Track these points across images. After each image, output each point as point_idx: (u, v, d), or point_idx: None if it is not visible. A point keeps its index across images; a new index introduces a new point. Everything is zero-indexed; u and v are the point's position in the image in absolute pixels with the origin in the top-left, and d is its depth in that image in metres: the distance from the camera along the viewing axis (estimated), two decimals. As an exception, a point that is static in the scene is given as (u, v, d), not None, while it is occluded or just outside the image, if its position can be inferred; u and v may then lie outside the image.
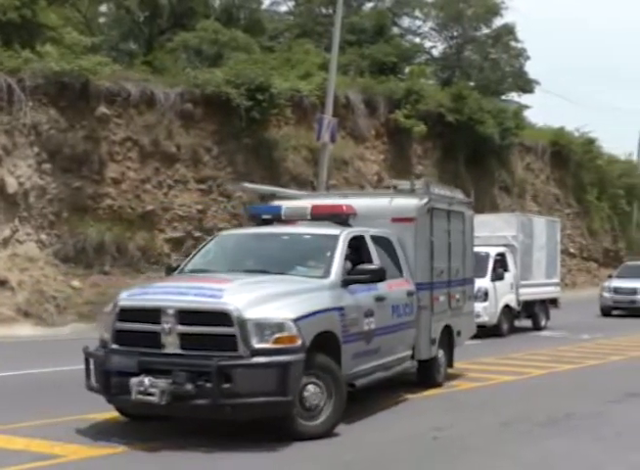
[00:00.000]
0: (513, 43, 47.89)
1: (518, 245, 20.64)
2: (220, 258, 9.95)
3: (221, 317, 7.68)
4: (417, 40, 47.51)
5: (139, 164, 23.07)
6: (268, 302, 7.99)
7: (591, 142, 45.02)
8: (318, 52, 31.42)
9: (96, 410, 8.95)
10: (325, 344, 8.30)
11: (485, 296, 18.76)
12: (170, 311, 7.78)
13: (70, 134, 21.69)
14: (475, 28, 47.96)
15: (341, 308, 8.70)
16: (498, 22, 47.35)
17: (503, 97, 46.60)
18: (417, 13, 48.28)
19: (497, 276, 19.25)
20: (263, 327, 7.69)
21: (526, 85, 48.43)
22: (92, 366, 8.27)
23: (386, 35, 39.72)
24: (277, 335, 7.71)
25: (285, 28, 41.04)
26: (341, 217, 10.13)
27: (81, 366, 8.49)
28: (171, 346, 7.77)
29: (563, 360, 14.80)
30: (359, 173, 29.61)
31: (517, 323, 20.70)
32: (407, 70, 37.95)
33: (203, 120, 24.63)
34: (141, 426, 8.60)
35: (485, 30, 48.11)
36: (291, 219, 10.37)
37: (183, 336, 7.76)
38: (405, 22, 48.32)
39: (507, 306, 19.81)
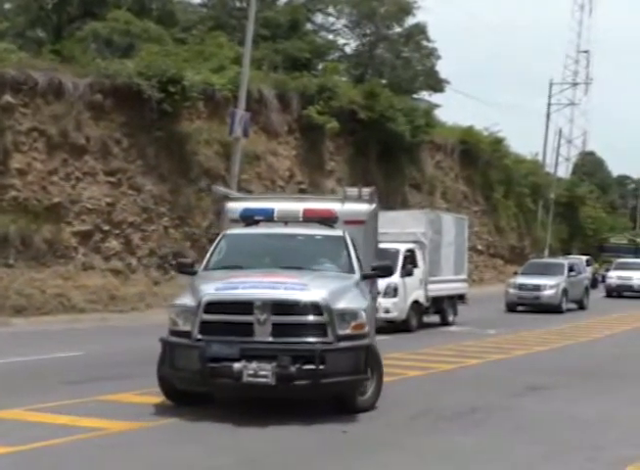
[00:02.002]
0: (424, 42, 48.58)
1: (427, 241, 20.92)
2: (244, 255, 10.48)
3: (313, 308, 8.74)
4: (330, 37, 47.71)
5: (46, 156, 22.47)
6: (340, 294, 9.08)
7: (499, 141, 46.04)
8: (232, 45, 31.18)
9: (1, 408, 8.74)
10: None
11: (395, 291, 18.98)
12: (264, 304, 8.62)
13: (-27, 123, 21.01)
14: (387, 27, 48.43)
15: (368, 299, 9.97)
16: (410, 21, 48.03)
17: (414, 95, 47.17)
18: (330, 9, 48.47)
19: (406, 272, 19.47)
20: (345, 316, 8.84)
21: (437, 84, 49.20)
22: (168, 354, 8.85)
23: (299, 31, 39.77)
24: (354, 322, 8.89)
25: (198, 21, 40.57)
26: (330, 220, 11.02)
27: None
28: (262, 334, 8.63)
29: (469, 355, 15.09)
30: (271, 169, 29.57)
31: (425, 319, 20.99)
32: (320, 66, 38.07)
33: (113, 112, 24.16)
34: (48, 425, 8.42)
35: (398, 29, 48.67)
36: (282, 221, 10.92)
37: (275, 325, 8.59)
38: (319, 18, 48.50)
39: (416, 302, 20.07)
